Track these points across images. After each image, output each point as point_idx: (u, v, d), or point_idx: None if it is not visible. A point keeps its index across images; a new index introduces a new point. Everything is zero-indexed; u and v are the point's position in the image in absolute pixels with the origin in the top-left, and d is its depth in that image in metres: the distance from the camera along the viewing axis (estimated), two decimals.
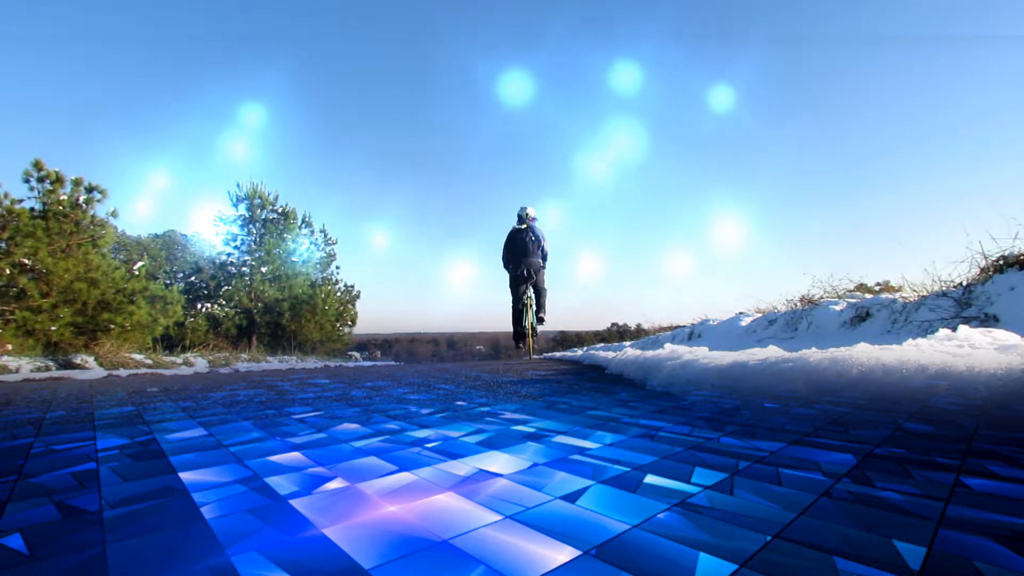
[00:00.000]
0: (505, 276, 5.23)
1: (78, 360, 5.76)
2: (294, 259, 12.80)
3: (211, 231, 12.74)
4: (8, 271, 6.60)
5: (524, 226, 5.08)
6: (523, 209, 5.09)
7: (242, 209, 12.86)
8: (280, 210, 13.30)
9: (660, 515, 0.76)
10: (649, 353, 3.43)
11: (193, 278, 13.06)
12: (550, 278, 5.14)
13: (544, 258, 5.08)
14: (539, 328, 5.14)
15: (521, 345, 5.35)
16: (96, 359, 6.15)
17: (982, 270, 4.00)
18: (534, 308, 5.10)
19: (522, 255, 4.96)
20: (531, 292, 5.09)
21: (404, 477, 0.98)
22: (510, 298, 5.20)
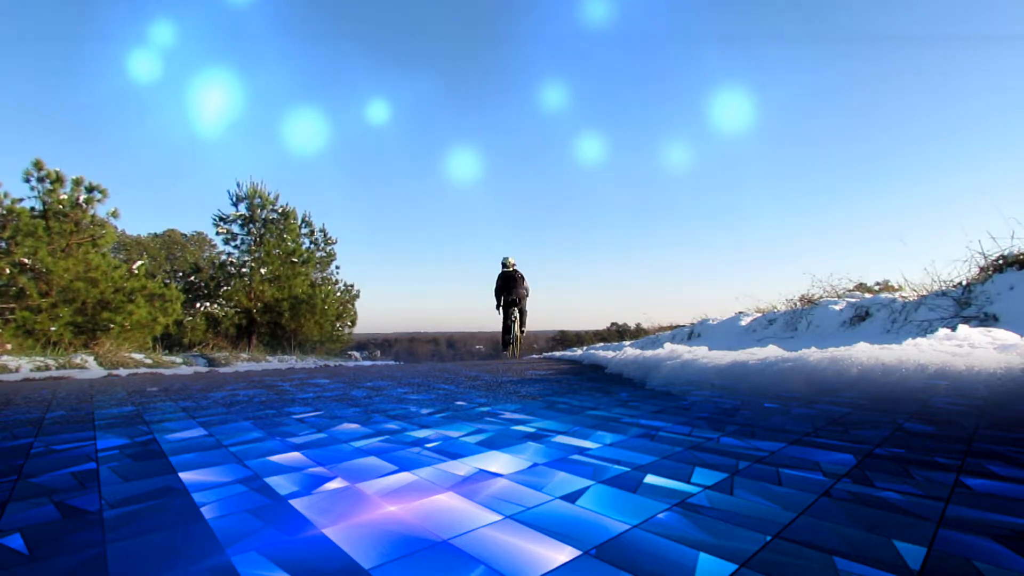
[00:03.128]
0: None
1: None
2: (294, 259, 12.79)
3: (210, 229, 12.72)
4: (8, 270, 6.60)
5: (510, 269, 7.23)
6: (506, 258, 7.27)
7: (242, 209, 12.85)
8: (280, 210, 13.29)
9: (660, 515, 0.76)
10: (649, 353, 3.43)
11: (192, 277, 13.04)
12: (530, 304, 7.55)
13: (527, 293, 7.19)
14: (521, 337, 7.38)
15: (506, 351, 7.32)
16: (96, 358, 6.15)
17: (981, 269, 4.00)
18: (518, 324, 7.16)
19: (512, 287, 7.06)
20: (516, 313, 7.15)
21: (404, 477, 0.98)
22: (500, 314, 7.42)
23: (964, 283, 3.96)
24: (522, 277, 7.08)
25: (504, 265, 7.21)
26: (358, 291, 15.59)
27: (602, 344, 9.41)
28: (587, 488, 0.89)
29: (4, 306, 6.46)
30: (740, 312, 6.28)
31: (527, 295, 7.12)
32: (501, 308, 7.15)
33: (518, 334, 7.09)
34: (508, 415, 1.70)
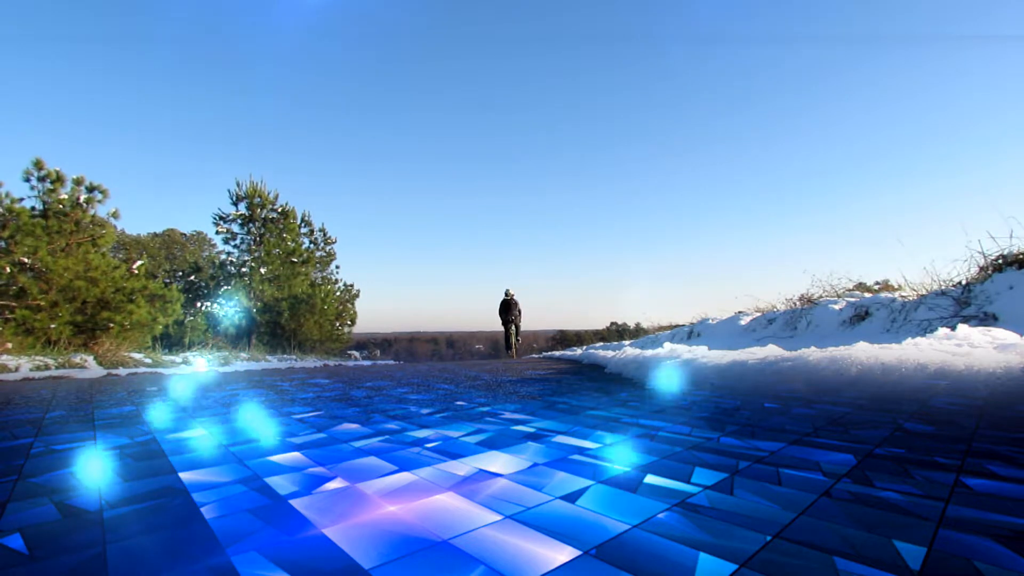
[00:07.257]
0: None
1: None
2: (294, 259, 12.79)
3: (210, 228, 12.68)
4: (8, 269, 6.60)
5: (508, 298, 10.27)
6: (507, 289, 10.35)
7: (241, 208, 12.84)
8: (280, 209, 13.29)
9: (660, 515, 0.76)
10: (648, 352, 3.44)
11: (192, 277, 13.05)
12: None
13: (519, 313, 10.43)
14: (517, 345, 10.54)
15: (507, 353, 10.45)
16: (96, 358, 6.15)
17: (981, 269, 4.00)
18: (513, 335, 10.31)
19: (508, 311, 10.23)
20: (513, 328, 10.30)
21: (404, 477, 0.98)
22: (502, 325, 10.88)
23: (964, 283, 3.96)
24: (516, 303, 10.35)
25: (505, 294, 10.35)
26: (358, 291, 15.61)
27: (602, 344, 9.48)
28: (587, 488, 0.89)
29: (4, 304, 6.46)
30: (740, 312, 6.28)
31: (519, 315, 10.49)
32: (503, 324, 10.48)
33: (513, 342, 10.38)
34: (508, 415, 1.70)
